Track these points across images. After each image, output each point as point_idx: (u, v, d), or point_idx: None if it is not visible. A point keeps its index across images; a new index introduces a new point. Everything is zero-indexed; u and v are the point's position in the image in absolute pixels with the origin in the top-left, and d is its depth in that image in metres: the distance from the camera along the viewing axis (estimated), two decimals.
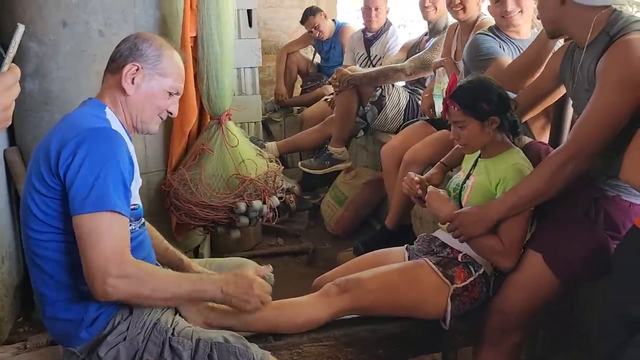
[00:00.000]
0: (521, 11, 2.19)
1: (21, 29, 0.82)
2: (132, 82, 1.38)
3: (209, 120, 2.68)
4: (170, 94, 1.44)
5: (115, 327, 1.32)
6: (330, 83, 3.53)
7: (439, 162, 1.98)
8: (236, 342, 1.34)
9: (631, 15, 1.52)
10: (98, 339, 1.32)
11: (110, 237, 1.22)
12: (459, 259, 1.66)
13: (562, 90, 1.77)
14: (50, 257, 1.31)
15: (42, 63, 2.25)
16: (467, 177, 1.73)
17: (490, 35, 2.26)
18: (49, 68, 2.26)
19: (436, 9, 3.03)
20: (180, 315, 1.43)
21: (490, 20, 2.49)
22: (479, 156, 1.73)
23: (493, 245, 1.60)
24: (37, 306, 2.22)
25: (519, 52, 2.19)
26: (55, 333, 1.39)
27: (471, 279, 1.63)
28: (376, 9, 3.64)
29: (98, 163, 1.23)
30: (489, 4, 2.32)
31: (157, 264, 1.51)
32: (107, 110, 1.38)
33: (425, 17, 3.12)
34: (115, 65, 1.40)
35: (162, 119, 1.48)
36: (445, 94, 1.67)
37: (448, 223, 1.66)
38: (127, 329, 1.32)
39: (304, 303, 1.59)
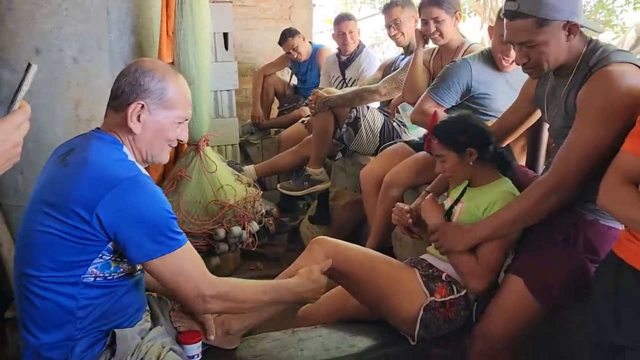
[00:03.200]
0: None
1: (34, 68, 0.84)
2: (138, 120, 1.33)
3: (186, 146, 2.66)
4: (179, 123, 1.40)
5: None
6: (307, 104, 3.56)
7: (424, 191, 2.00)
8: None
9: (608, 45, 1.55)
10: None
11: (193, 267, 1.32)
12: (443, 277, 1.68)
13: (539, 114, 1.81)
14: (48, 298, 1.27)
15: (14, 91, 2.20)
16: (455, 203, 1.76)
17: (471, 65, 2.32)
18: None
19: (403, 34, 3.08)
20: (172, 349, 1.41)
21: (480, 47, 2.54)
22: (468, 184, 1.77)
23: (467, 263, 1.64)
24: (14, 344, 2.17)
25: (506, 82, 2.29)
26: None
27: (451, 297, 1.65)
28: (350, 32, 3.72)
29: (150, 211, 1.25)
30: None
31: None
32: (125, 149, 1.35)
33: (396, 44, 3.19)
34: (118, 102, 1.34)
35: (171, 146, 1.44)
36: (428, 129, 1.76)
37: (434, 243, 1.71)
38: None
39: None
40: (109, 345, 1.32)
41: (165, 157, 1.44)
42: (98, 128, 1.39)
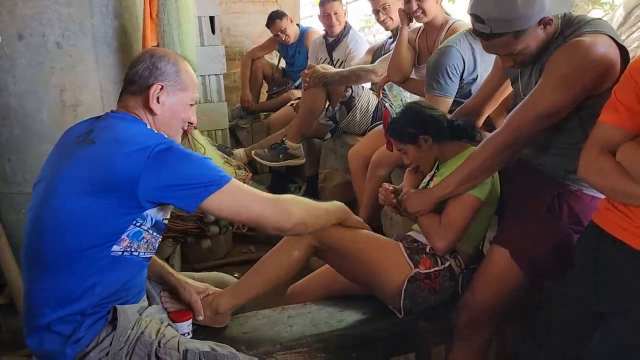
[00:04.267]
0: None
1: None
2: (158, 101, 1.41)
3: None
4: (190, 105, 1.48)
5: (99, 343, 1.33)
6: (297, 87, 3.53)
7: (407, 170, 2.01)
8: (223, 351, 1.39)
9: (583, 16, 1.56)
10: (81, 355, 1.32)
11: (249, 191, 1.39)
12: (427, 250, 1.71)
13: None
14: (75, 271, 1.30)
15: None
16: (431, 179, 1.80)
17: (458, 50, 2.31)
18: (5, 82, 2.19)
19: (392, 19, 3.06)
20: (169, 325, 1.45)
21: (464, 24, 2.53)
22: (438, 162, 1.82)
23: (430, 224, 1.70)
24: (9, 328, 2.19)
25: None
26: (41, 349, 1.36)
27: (435, 268, 1.67)
28: (335, 14, 3.70)
29: (188, 163, 1.31)
30: None
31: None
32: (150, 128, 1.41)
33: (385, 29, 3.18)
34: (137, 87, 1.41)
35: (183, 129, 1.52)
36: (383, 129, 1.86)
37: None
38: (110, 344, 1.33)
39: (280, 250, 1.68)
40: (110, 320, 1.35)
41: (179, 139, 1.52)
42: (114, 111, 1.44)
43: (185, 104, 1.46)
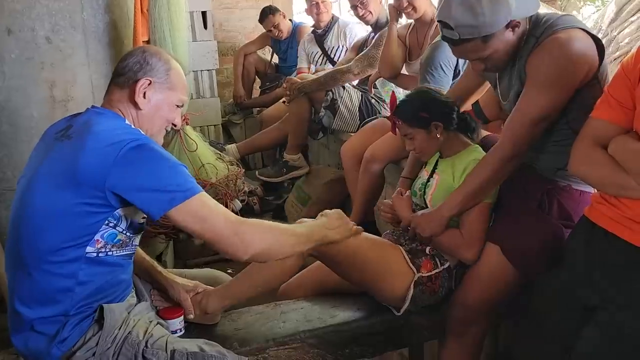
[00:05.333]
0: None
1: None
2: (144, 96, 1.38)
3: None
4: (177, 106, 1.46)
5: (86, 342, 1.31)
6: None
7: (401, 178, 2.01)
8: (212, 351, 1.36)
9: (551, 13, 1.56)
10: (67, 355, 1.30)
11: (216, 209, 1.30)
12: (427, 251, 1.70)
13: (487, 85, 1.84)
14: (50, 271, 1.28)
15: None
16: (431, 176, 1.78)
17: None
18: None
19: (371, 12, 3.07)
20: (159, 323, 1.44)
21: None
22: (440, 156, 1.79)
23: (452, 239, 1.66)
24: (2, 323, 2.17)
25: None
26: (26, 349, 1.35)
27: (436, 270, 1.67)
28: (322, 2, 3.73)
29: (159, 165, 1.26)
30: None
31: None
32: (127, 122, 1.38)
33: (365, 24, 3.20)
34: (124, 79, 1.39)
35: (166, 130, 1.49)
36: (390, 112, 1.77)
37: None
38: (97, 344, 1.31)
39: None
40: (96, 319, 1.33)
41: (161, 139, 1.49)
42: (95, 106, 1.42)
43: (172, 103, 1.44)
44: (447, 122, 1.71)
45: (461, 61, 2.33)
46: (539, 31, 1.52)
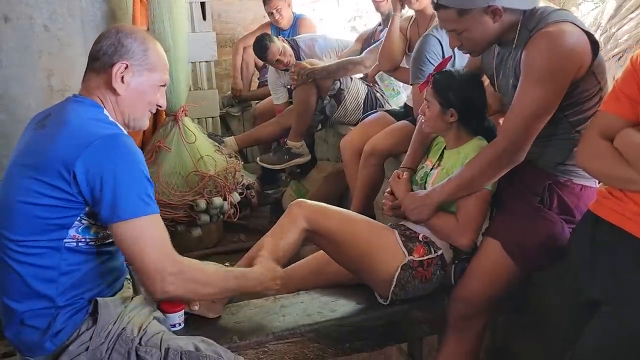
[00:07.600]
0: None
1: None
2: (122, 81, 1.32)
3: (164, 117, 2.62)
4: (160, 87, 1.40)
5: (79, 336, 1.29)
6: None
7: (400, 167, 1.99)
8: (207, 350, 1.33)
9: (546, 7, 1.55)
10: (61, 348, 1.28)
11: (158, 239, 1.25)
12: (420, 238, 1.71)
13: (486, 81, 1.82)
14: (30, 262, 1.26)
15: None
16: (434, 167, 1.78)
17: (435, 36, 2.31)
18: None
19: (387, 0, 3.03)
20: (156, 318, 1.40)
21: None
22: (445, 148, 1.78)
23: (445, 223, 1.67)
24: None
25: None
26: (19, 342, 1.32)
27: (428, 256, 1.67)
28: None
29: (127, 170, 1.22)
30: None
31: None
32: (105, 112, 1.33)
33: (377, 9, 3.14)
34: (100, 64, 1.33)
35: (151, 112, 1.44)
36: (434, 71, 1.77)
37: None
38: (90, 338, 1.28)
39: (276, 232, 1.67)
40: (90, 313, 1.31)
41: (145, 123, 1.44)
42: (76, 94, 1.37)
43: (153, 85, 1.38)
44: (464, 118, 1.70)
45: (446, 52, 2.31)
46: (532, 24, 1.51)
